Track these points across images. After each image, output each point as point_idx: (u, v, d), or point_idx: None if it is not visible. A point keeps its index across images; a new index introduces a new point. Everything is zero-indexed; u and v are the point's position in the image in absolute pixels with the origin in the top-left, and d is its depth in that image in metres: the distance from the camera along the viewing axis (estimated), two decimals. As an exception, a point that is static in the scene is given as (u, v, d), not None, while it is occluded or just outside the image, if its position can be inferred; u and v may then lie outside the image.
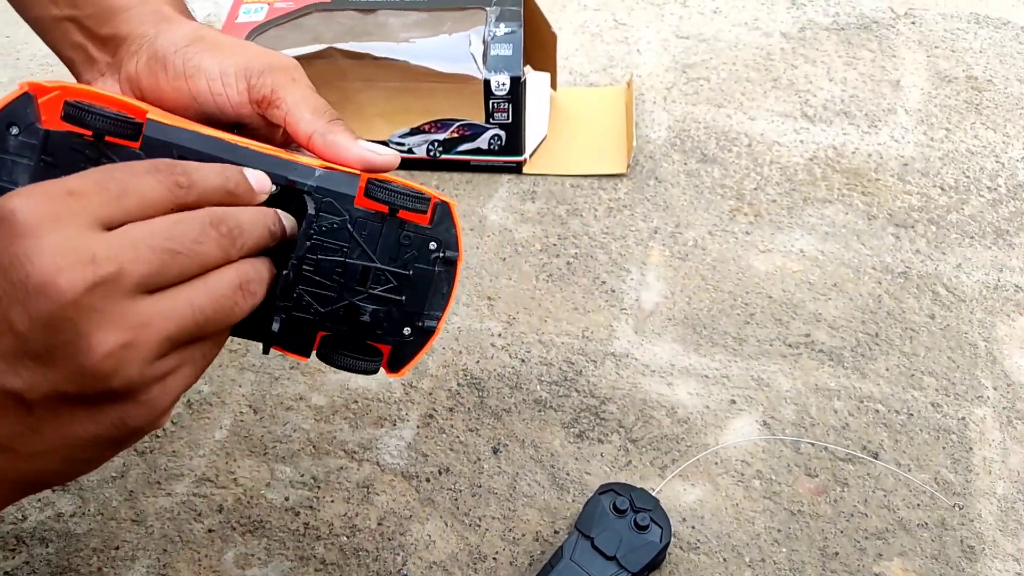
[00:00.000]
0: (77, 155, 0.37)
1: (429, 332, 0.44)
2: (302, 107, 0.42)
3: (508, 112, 0.81)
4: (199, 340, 0.34)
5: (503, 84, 0.79)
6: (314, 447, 0.66)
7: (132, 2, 0.45)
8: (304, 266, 0.40)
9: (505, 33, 0.81)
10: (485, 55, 0.80)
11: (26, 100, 0.36)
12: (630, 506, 0.58)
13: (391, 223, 0.42)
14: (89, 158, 0.37)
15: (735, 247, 0.79)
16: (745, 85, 0.95)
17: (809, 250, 0.79)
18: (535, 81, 0.87)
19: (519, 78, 0.79)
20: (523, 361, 0.71)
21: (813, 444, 0.65)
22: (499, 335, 0.73)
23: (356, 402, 0.68)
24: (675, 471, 0.64)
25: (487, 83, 0.79)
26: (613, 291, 0.76)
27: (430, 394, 0.69)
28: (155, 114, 0.39)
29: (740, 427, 0.66)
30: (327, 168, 0.41)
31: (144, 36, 0.44)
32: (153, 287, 0.31)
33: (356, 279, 0.41)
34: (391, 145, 0.83)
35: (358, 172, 0.41)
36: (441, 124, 0.83)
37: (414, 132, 0.83)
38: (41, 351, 0.29)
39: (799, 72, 0.97)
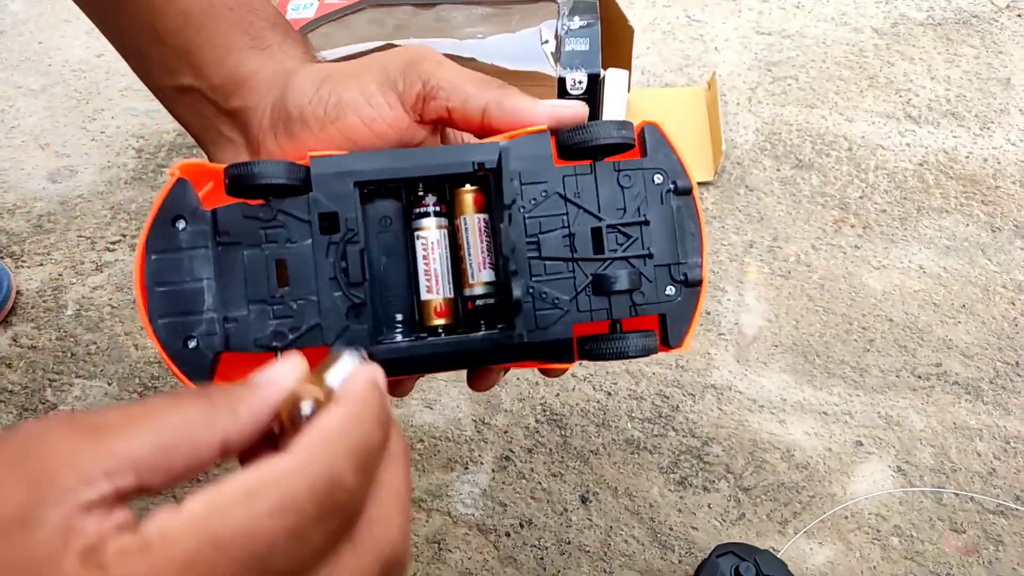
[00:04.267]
0: (252, 223, 0.33)
1: (696, 284, 0.36)
2: (463, 84, 0.35)
3: (584, 114, 0.73)
4: None
5: (579, 82, 0.71)
6: (376, 494, 0.57)
7: (257, 64, 0.38)
8: (528, 254, 0.34)
9: (580, 27, 0.73)
10: (558, 51, 0.72)
11: (183, 186, 0.33)
12: (756, 573, 0.49)
13: (603, 169, 0.35)
14: (265, 221, 0.33)
15: (844, 263, 0.70)
16: (838, 84, 0.86)
17: (929, 266, 0.69)
18: (612, 80, 0.78)
19: (598, 75, 0.71)
20: (609, 394, 0.62)
21: (957, 494, 0.56)
22: (580, 364, 0.64)
23: (422, 441, 0.60)
24: (800, 528, 0.54)
25: (561, 81, 0.71)
26: (708, 313, 0.67)
27: (505, 432, 0.60)
28: (317, 152, 0.34)
29: (871, 474, 0.57)
30: (510, 138, 0.35)
31: (271, 101, 0.37)
32: None
33: (590, 247, 0.35)
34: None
35: (546, 129, 0.35)
36: (508, 128, 0.75)
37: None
38: None
39: (897, 70, 0.88)
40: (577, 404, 0.62)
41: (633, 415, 0.61)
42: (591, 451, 0.59)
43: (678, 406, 0.61)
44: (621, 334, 0.34)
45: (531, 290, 0.34)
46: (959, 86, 0.86)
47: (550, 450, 0.59)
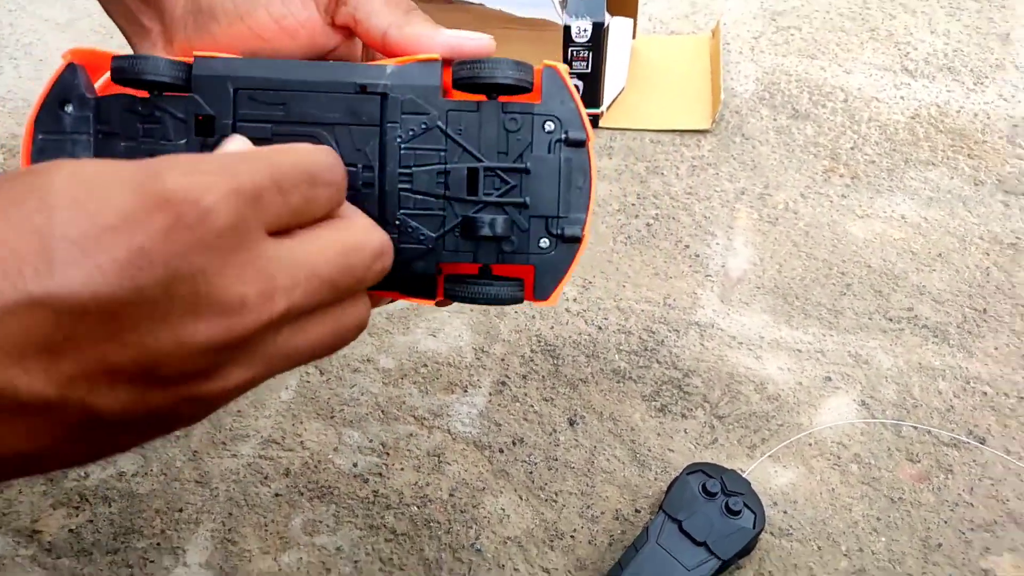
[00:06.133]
0: (132, 116, 0.33)
1: (573, 240, 0.34)
2: None
3: (588, 61, 0.76)
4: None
5: (584, 30, 0.74)
6: (383, 412, 0.63)
7: None
8: (400, 185, 0.34)
9: (587, -26, 0.76)
10: (565, -2, 0.75)
11: (73, 71, 0.33)
12: (721, 489, 0.54)
13: (489, 109, 0.34)
14: (144, 116, 0.33)
15: (830, 211, 0.73)
16: (840, 35, 0.88)
17: (911, 216, 0.73)
18: (617, 28, 0.81)
19: (602, 23, 0.74)
20: (600, 328, 0.67)
21: (916, 427, 0.61)
22: (574, 300, 0.69)
23: (426, 366, 0.65)
24: (766, 452, 0.60)
25: (567, 29, 0.74)
26: (697, 256, 0.71)
27: (502, 360, 0.65)
28: (203, 52, 0.34)
29: (836, 407, 0.62)
30: (402, 63, 0.34)
31: None
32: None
33: (464, 188, 0.34)
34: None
35: (438, 58, 0.34)
36: (515, 73, 0.78)
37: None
38: (168, 378, 0.24)
39: (898, 23, 0.90)
40: (570, 336, 0.67)
41: (621, 347, 0.66)
42: (580, 379, 0.64)
43: (663, 340, 0.66)
44: (487, 280, 0.34)
45: (397, 222, 0.34)
46: (958, 40, 0.88)
47: (543, 377, 0.64)
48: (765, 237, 0.72)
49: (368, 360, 0.66)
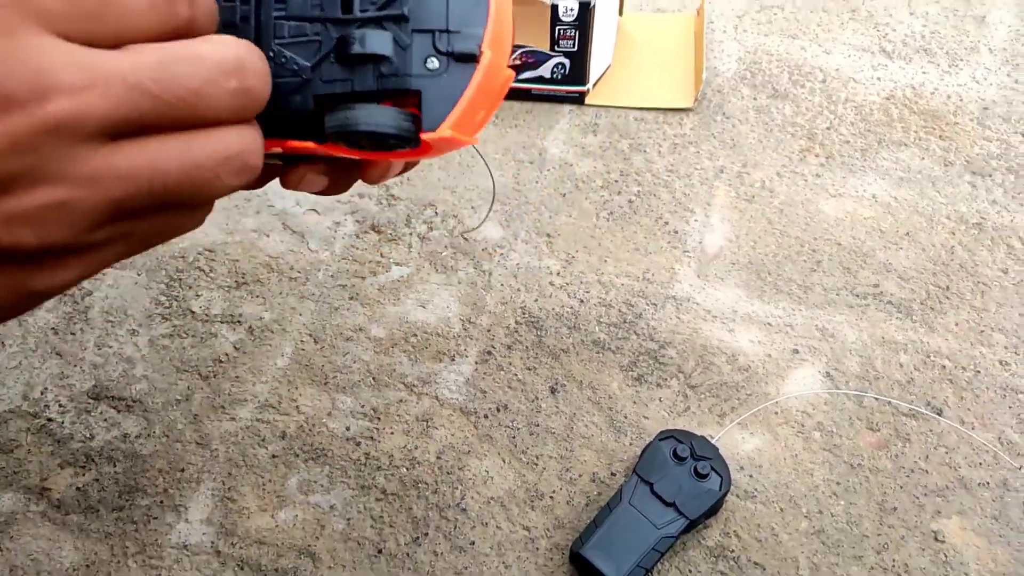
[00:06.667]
0: None
1: (468, 59, 0.30)
2: None
3: (574, 39, 0.78)
4: (151, 213, 0.26)
5: (571, 9, 0.76)
6: (374, 379, 0.66)
7: None
8: (275, 12, 0.30)
9: (575, -46, 0.77)
10: (553, -22, 0.77)
11: None
12: (690, 454, 0.58)
13: None
14: None
15: (804, 190, 0.76)
16: (821, 15, 0.90)
17: (882, 196, 0.76)
18: (603, 6, 0.83)
19: (588, 3, 0.75)
20: (582, 301, 0.70)
21: (877, 398, 0.64)
22: (558, 274, 0.72)
23: (415, 335, 0.68)
24: (735, 420, 0.63)
25: (554, 8, 0.76)
26: (676, 232, 0.74)
27: (488, 331, 0.69)
28: None
29: (802, 378, 0.65)
30: None
31: None
32: (119, 133, 0.24)
33: (339, 6, 0.30)
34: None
35: None
36: (504, 50, 0.80)
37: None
38: None
39: (878, 3, 0.92)
40: (553, 309, 0.70)
41: (601, 320, 0.69)
42: (562, 349, 0.67)
43: (641, 313, 0.69)
44: (365, 104, 0.29)
45: (272, 54, 0.30)
46: (935, 22, 0.90)
47: (526, 347, 0.68)
48: (741, 215, 0.75)
49: (360, 329, 0.69)
